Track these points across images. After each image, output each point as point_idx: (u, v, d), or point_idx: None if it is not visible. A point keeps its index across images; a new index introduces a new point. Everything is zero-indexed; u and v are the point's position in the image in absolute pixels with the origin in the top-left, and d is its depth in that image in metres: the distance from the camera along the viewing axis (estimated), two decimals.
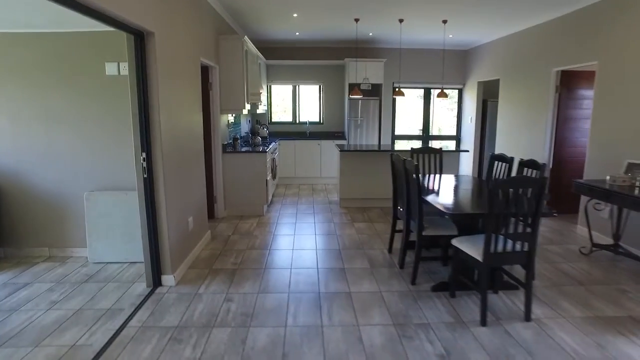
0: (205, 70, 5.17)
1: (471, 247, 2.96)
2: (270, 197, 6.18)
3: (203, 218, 4.47)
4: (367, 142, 8.07)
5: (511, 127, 6.80)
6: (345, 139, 8.04)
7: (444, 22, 5.97)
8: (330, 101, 8.57)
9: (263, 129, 7.96)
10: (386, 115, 8.48)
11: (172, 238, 3.47)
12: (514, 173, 4.35)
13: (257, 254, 4.23)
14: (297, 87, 8.61)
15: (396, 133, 8.89)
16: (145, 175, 3.20)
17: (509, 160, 4.04)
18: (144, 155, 3.17)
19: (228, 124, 5.98)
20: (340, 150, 6.02)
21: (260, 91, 6.32)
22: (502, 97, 7.14)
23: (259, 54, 7.12)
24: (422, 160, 4.80)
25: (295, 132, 8.60)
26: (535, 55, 6.06)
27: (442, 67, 8.47)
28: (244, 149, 5.78)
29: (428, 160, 4.95)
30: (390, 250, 4.33)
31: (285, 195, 7.09)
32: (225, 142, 5.73)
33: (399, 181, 3.96)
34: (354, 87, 7.67)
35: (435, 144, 8.30)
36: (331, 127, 8.65)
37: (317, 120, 8.74)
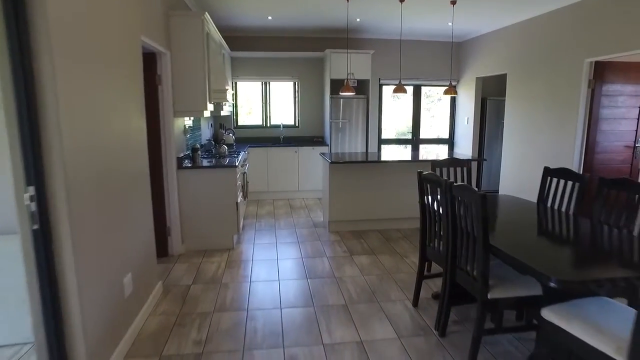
0: (150, 58, 3.78)
1: (594, 333, 1.81)
2: (241, 224, 4.86)
3: (149, 268, 3.10)
4: (351, 149, 6.89)
5: (524, 129, 5.82)
6: (327, 145, 6.83)
7: (453, 3, 4.89)
8: (307, 101, 7.32)
9: (229, 134, 6.60)
10: (372, 116, 7.34)
11: (92, 317, 2.11)
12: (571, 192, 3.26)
13: (231, 321, 2.92)
14: (267, 84, 7.30)
15: (383, 136, 7.77)
16: (36, 226, 1.83)
17: (579, 178, 2.96)
18: (31, 191, 1.80)
19: (185, 130, 4.60)
20: (330, 162, 4.78)
21: (227, 88, 5.00)
22: (510, 94, 6.17)
23: (223, 42, 5.77)
24: (447, 175, 3.65)
25: (266, 137, 7.29)
26: (561, 43, 5.09)
27: (451, 61, 7.44)
28: (206, 163, 4.42)
29: (454, 175, 3.81)
30: (416, 303, 3.15)
31: (258, 217, 5.77)
32: (182, 155, 4.35)
33: (436, 212, 2.78)
34: (338, 84, 6.49)
35: (428, 150, 7.25)
36: (309, 130, 7.40)
37: (292, 123, 7.47)
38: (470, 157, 5.07)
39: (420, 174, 2.93)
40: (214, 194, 4.26)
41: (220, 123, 6.93)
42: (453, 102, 7.84)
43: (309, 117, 7.36)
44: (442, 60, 7.52)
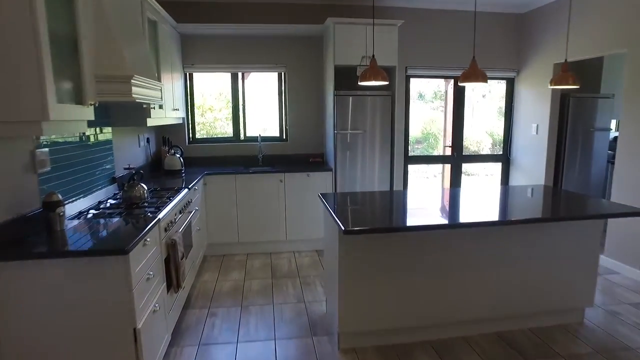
0: None
1: None
2: (171, 328, 2.43)
3: None
4: (369, 175, 4.46)
5: None
6: (330, 170, 4.40)
7: None
8: (300, 101, 4.90)
9: (175, 154, 4.17)
10: (399, 123, 4.93)
11: None
12: None
13: None
14: (240, 76, 4.88)
15: (410, 152, 5.36)
16: None
17: None
18: None
19: (37, 162, 2.17)
20: (342, 230, 2.27)
21: (157, 83, 2.57)
22: (632, 86, 3.76)
23: (157, 6, 3.35)
24: None
25: (237, 157, 4.85)
26: None
27: (518, 40, 5.04)
28: (74, 240, 1.99)
29: None
30: None
31: (214, 300, 3.32)
32: (13, 217, 1.92)
33: None
34: (345, 74, 4.12)
35: (473, 170, 4.85)
36: (302, 146, 4.97)
37: (277, 134, 5.05)
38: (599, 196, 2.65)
39: None
40: (73, 321, 1.83)
41: (166, 137, 4.48)
42: (510, 99, 5.43)
43: (302, 126, 4.93)
44: (496, 40, 5.12)
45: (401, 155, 5.13)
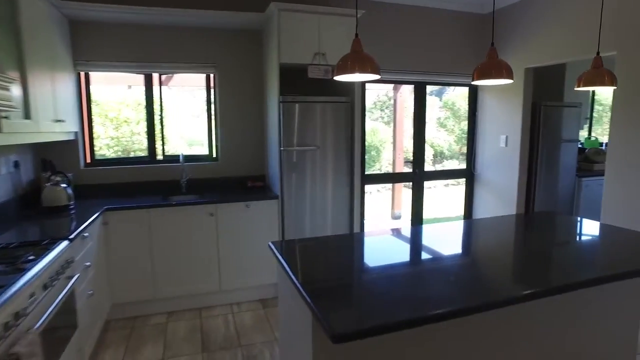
0: None
1: None
2: None
3: None
4: (321, 201, 3.58)
5: None
6: (276, 197, 3.45)
7: None
8: (235, 109, 3.90)
9: (55, 184, 2.99)
10: (358, 135, 4.11)
11: None
12: None
13: None
14: (155, 78, 3.78)
15: (367, 169, 4.58)
16: None
17: None
18: None
19: None
20: (332, 338, 1.28)
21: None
22: (622, 94, 3.27)
23: None
24: None
25: (153, 183, 3.72)
26: None
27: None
28: None
29: None
30: None
31: None
32: None
33: None
34: (294, 75, 3.24)
35: (435, 191, 4.19)
36: (238, 167, 3.96)
37: (206, 152, 4.00)
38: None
39: None
40: None
41: (45, 160, 3.25)
42: (473, 108, 4.87)
43: (237, 142, 3.93)
44: (457, 42, 4.53)
45: (358, 174, 4.31)
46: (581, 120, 4.67)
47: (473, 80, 1.92)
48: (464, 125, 11.07)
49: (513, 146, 4.33)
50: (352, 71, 1.64)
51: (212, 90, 3.89)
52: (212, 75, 3.85)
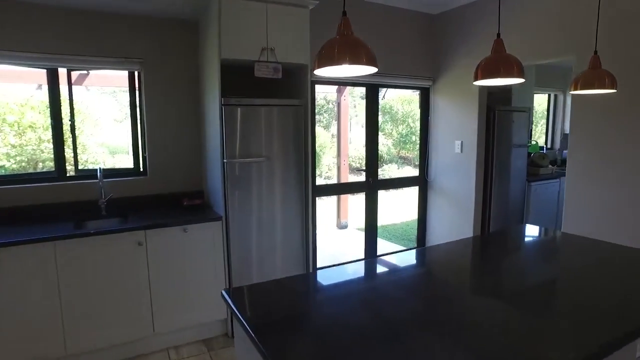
0: None
1: None
2: None
3: None
4: (268, 220, 3.11)
5: (620, 162, 2.85)
6: (219, 218, 2.91)
7: None
8: (166, 114, 3.28)
9: None
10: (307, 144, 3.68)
11: None
12: None
13: None
14: (63, 75, 3.05)
15: (318, 180, 4.17)
16: None
17: None
18: None
19: None
20: None
21: None
22: (579, 99, 3.17)
23: None
24: None
25: (63, 206, 2.98)
26: None
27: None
28: None
29: None
30: None
31: None
32: None
33: None
34: (238, 73, 2.77)
35: (392, 199, 3.92)
36: (171, 182, 3.34)
37: (131, 166, 3.33)
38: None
39: None
40: None
41: None
42: (425, 112, 4.67)
43: (169, 152, 3.32)
44: (408, 43, 4.29)
45: (310, 188, 3.89)
46: (529, 125, 4.66)
47: (476, 79, 1.58)
48: (402, 128, 11.08)
49: (469, 152, 4.17)
50: (340, 61, 1.21)
51: (138, 91, 3.25)
52: (137, 73, 3.21)
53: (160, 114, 3.24)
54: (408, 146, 10.05)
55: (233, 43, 2.73)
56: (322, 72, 1.30)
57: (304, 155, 3.16)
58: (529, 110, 4.58)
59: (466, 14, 4.04)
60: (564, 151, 5.71)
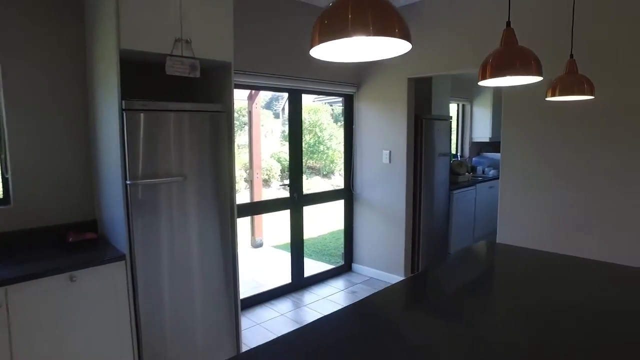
0: None
1: None
2: None
3: None
4: (185, 255, 2.50)
5: (561, 173, 2.87)
6: (122, 258, 2.22)
7: None
8: (38, 119, 2.45)
9: None
10: (238, 156, 3.10)
11: None
12: None
13: None
14: None
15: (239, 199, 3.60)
16: None
17: None
18: None
19: None
20: None
21: None
22: (510, 110, 3.14)
23: None
24: None
25: None
26: None
27: None
28: None
29: None
30: None
31: None
32: None
33: None
34: (145, 67, 2.14)
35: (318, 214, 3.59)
36: (48, 210, 2.51)
37: None
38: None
39: None
40: None
41: None
42: (349, 121, 4.40)
43: (45, 170, 2.50)
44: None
45: (234, 210, 3.32)
46: (450, 133, 4.68)
47: (483, 78, 1.25)
48: (309, 138, 10.84)
49: (397, 162, 3.99)
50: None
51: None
52: None
53: (28, 120, 2.41)
54: (316, 156, 9.86)
55: (136, 30, 2.09)
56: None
57: (228, 171, 2.61)
58: (450, 119, 4.59)
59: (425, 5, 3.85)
60: (474, 158, 5.95)
